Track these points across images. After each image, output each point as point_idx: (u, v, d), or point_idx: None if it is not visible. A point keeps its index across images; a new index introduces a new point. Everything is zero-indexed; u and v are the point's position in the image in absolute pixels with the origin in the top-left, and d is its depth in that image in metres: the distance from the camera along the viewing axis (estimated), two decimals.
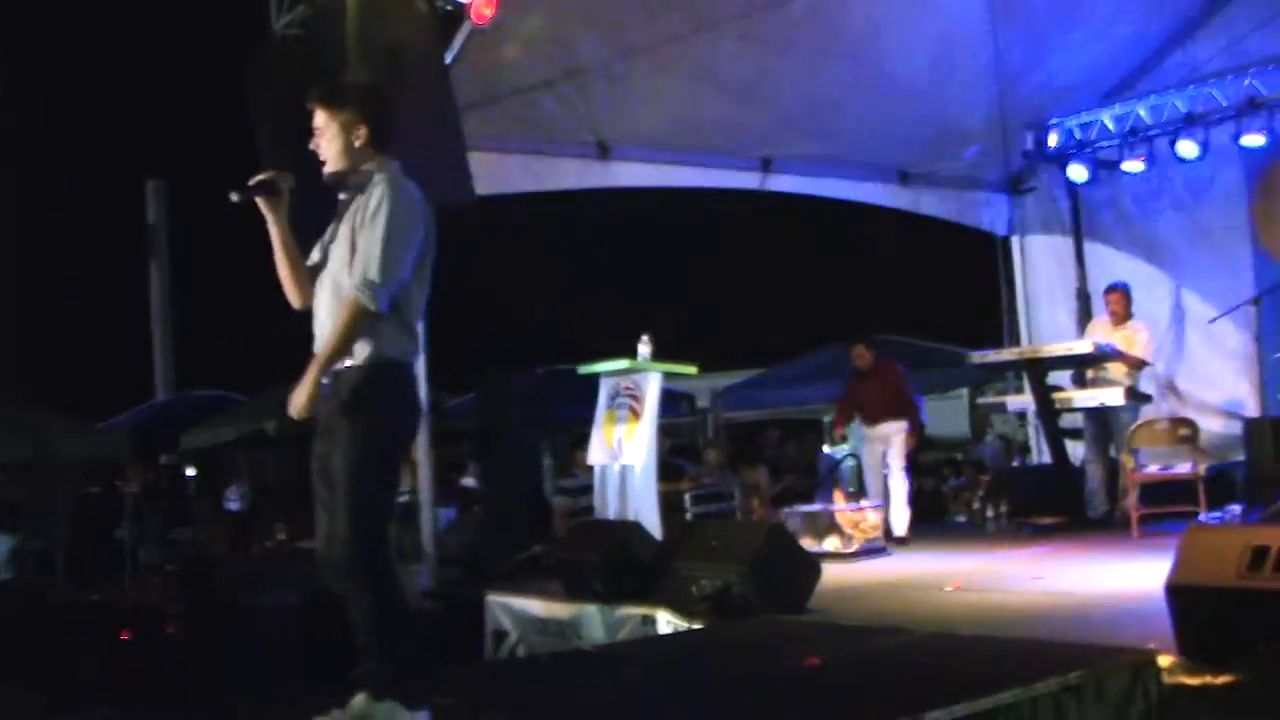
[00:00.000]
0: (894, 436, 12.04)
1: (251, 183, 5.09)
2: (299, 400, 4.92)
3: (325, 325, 5.07)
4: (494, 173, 11.64)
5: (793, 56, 12.78)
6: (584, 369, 10.72)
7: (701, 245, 29.29)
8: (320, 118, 5.15)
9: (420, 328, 5.21)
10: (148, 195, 32.35)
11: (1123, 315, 12.39)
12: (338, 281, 5.06)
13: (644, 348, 10.16)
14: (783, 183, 14.37)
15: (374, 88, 5.49)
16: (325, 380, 5.08)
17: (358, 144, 5.12)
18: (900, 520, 11.84)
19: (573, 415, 14.36)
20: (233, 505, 21.84)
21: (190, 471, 23.18)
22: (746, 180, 14.12)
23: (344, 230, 5.09)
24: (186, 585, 14.08)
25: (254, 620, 12.35)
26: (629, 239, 27.39)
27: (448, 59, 10.58)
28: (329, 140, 5.14)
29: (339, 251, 5.09)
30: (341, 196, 5.19)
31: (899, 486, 11.96)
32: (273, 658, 10.20)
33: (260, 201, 5.11)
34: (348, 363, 4.99)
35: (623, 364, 10.24)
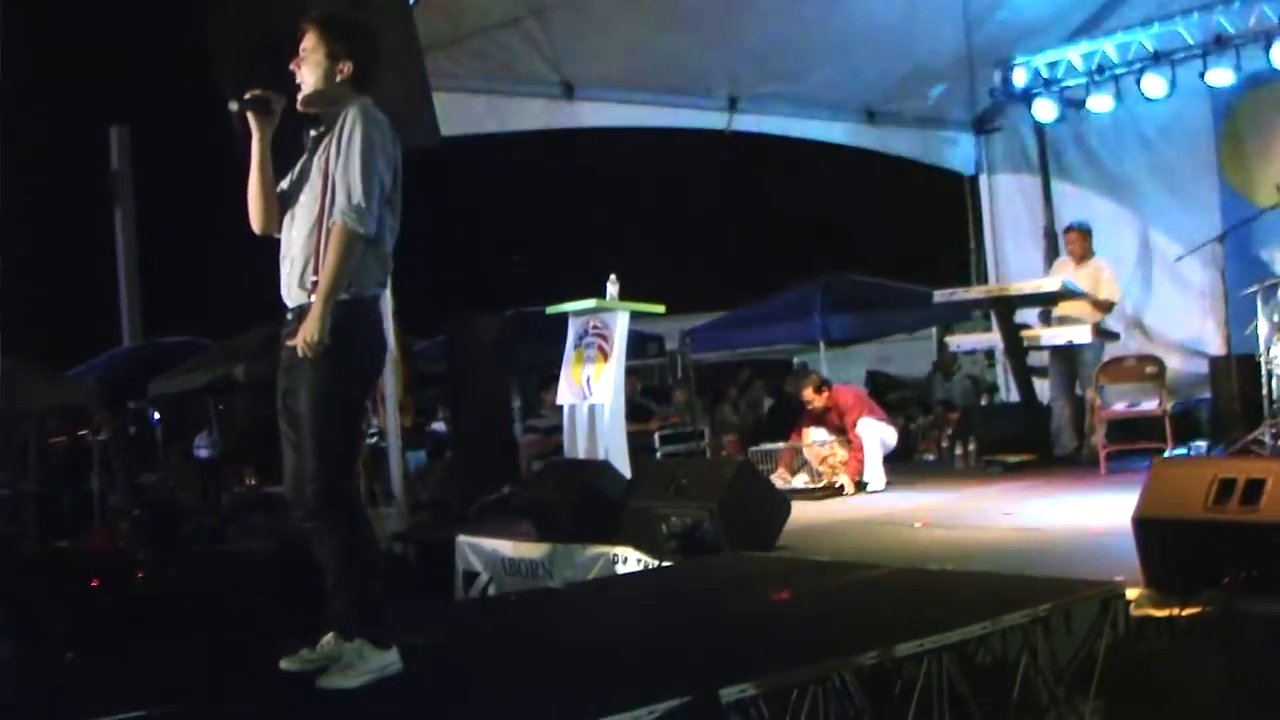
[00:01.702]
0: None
1: (249, 96, 5.06)
2: (312, 335, 4.81)
3: (297, 260, 5.03)
4: (459, 113, 11.56)
5: None
6: (552, 309, 10.69)
7: (668, 185, 29.18)
8: (310, 41, 5.09)
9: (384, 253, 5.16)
10: (111, 141, 32.11)
11: (1082, 254, 12.41)
12: (309, 213, 5.02)
13: (612, 287, 10.14)
14: (749, 122, 14.31)
15: (368, 27, 5.46)
16: (289, 314, 5.05)
17: (339, 78, 5.07)
18: (874, 473, 11.38)
19: (541, 356, 14.36)
20: (201, 453, 21.76)
21: (157, 417, 23.05)
22: (712, 120, 14.06)
23: (316, 163, 5.05)
24: (155, 531, 14.05)
25: (223, 565, 12.35)
26: (596, 179, 27.28)
27: None
28: (312, 66, 5.08)
29: (311, 185, 5.05)
30: (312, 132, 5.15)
31: (868, 438, 11.41)
32: (242, 602, 10.19)
33: (252, 116, 5.07)
34: (314, 298, 4.94)
35: (590, 304, 10.22)
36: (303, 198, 5.08)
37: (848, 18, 13.22)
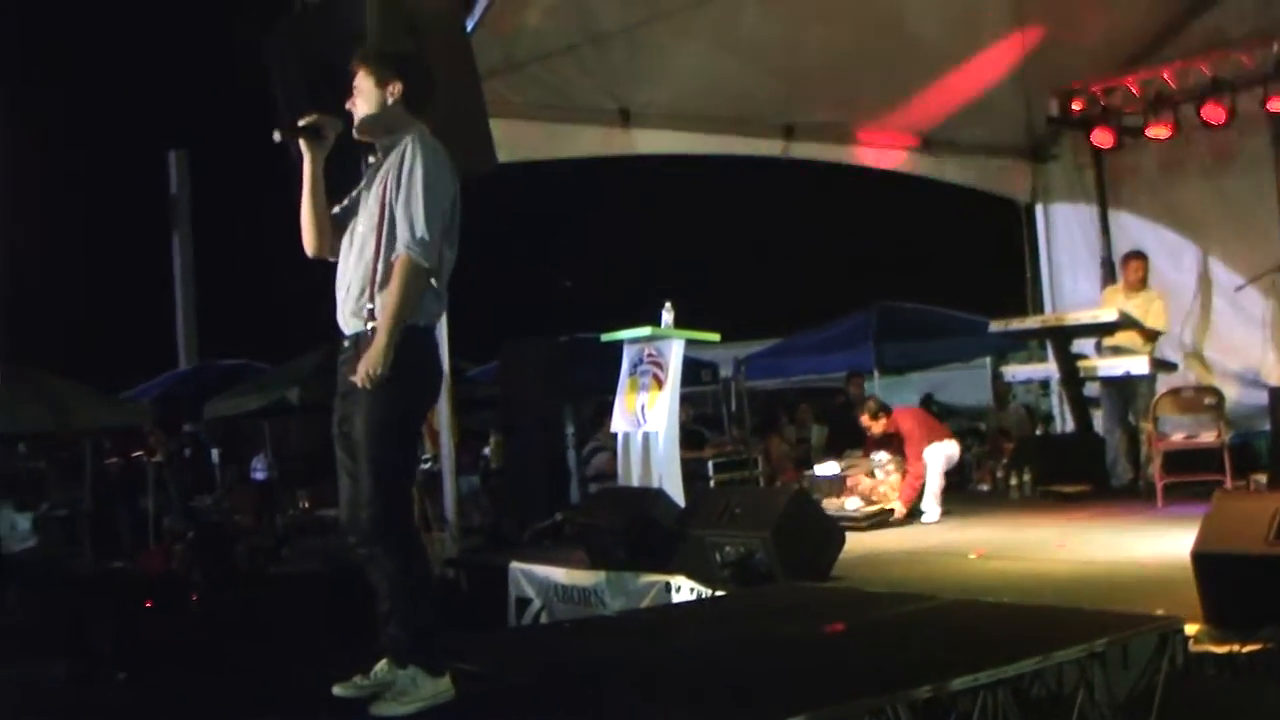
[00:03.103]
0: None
1: (301, 123, 5.16)
2: (374, 367, 4.85)
3: (353, 288, 5.07)
4: (516, 139, 11.60)
5: (815, 21, 12.70)
6: (607, 336, 10.69)
7: (723, 212, 29.18)
8: (360, 78, 5.19)
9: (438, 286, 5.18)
10: (170, 166, 32.44)
11: (1139, 283, 12.32)
12: (366, 242, 5.06)
13: (667, 315, 10.13)
14: (805, 150, 14.29)
15: (415, 56, 5.70)
16: (345, 342, 5.09)
17: (390, 99, 5.15)
18: (931, 502, 11.27)
19: (595, 382, 14.36)
20: (258, 475, 21.89)
21: (212, 440, 23.24)
22: (768, 147, 14.04)
23: (374, 192, 5.10)
24: (209, 554, 14.13)
25: (277, 588, 12.41)
26: (651, 206, 27.31)
27: (469, 25, 10.54)
28: (364, 95, 5.18)
29: (368, 214, 5.09)
30: (370, 160, 5.21)
31: (932, 467, 11.26)
32: (296, 626, 10.22)
33: (303, 142, 5.15)
34: (371, 326, 4.96)
35: (645, 331, 10.21)
36: (360, 226, 5.12)
37: (904, 45, 13.19)
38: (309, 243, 5.26)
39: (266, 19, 11.03)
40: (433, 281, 5.06)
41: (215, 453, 22.78)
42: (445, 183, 5.06)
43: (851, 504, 11.09)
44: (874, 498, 11.23)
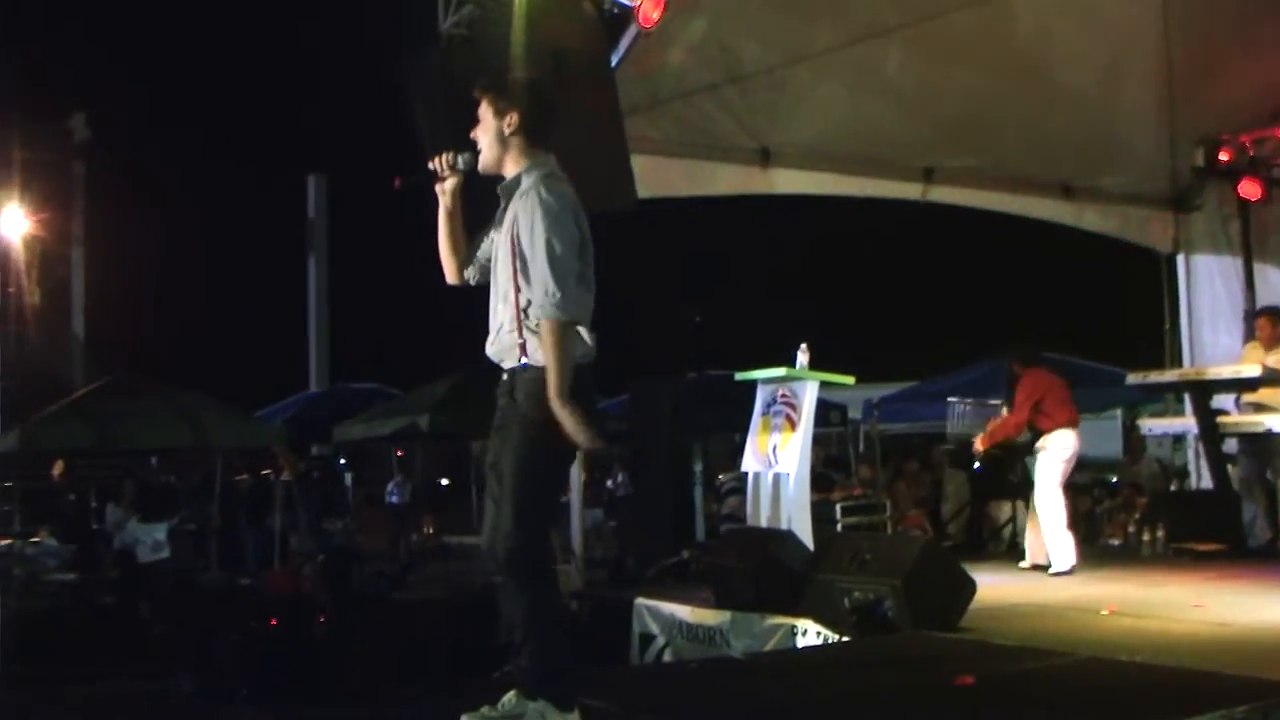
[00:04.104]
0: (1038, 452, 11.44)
1: (434, 166, 5.19)
2: (580, 433, 4.89)
3: (504, 326, 5.11)
4: (655, 176, 11.65)
5: (958, 66, 12.67)
6: (741, 375, 10.67)
7: (859, 254, 29.05)
8: (483, 107, 5.19)
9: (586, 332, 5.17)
10: (309, 190, 33.02)
11: (1273, 340, 12.08)
12: (506, 283, 5.08)
13: (802, 356, 10.09)
14: (943, 194, 14.19)
15: (537, 83, 5.55)
16: (504, 376, 5.13)
17: (508, 130, 5.12)
18: (1049, 548, 10.99)
19: (724, 420, 14.33)
20: (394, 498, 22.16)
21: (343, 462, 23.58)
22: (907, 191, 13.97)
23: (504, 240, 5.10)
24: (336, 576, 14.30)
25: (402, 613, 12.51)
26: (787, 245, 27.27)
27: (613, 61, 10.61)
28: (485, 128, 5.17)
29: (504, 262, 5.11)
30: (502, 201, 5.19)
31: (1043, 509, 11.07)
32: (422, 652, 10.31)
33: (435, 185, 5.20)
34: (524, 361, 5.02)
35: (780, 372, 10.18)
36: (500, 269, 5.15)
37: (1047, 90, 13.11)
38: (448, 272, 5.33)
39: (412, 50, 11.19)
40: (580, 329, 5.07)
41: (349, 476, 23.10)
42: (570, 230, 5.02)
43: None
44: None
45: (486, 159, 5.18)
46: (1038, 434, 11.17)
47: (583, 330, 5.09)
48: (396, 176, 5.25)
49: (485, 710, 5.06)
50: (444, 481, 24.40)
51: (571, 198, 5.12)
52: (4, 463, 18.08)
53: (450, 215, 5.25)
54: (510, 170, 5.15)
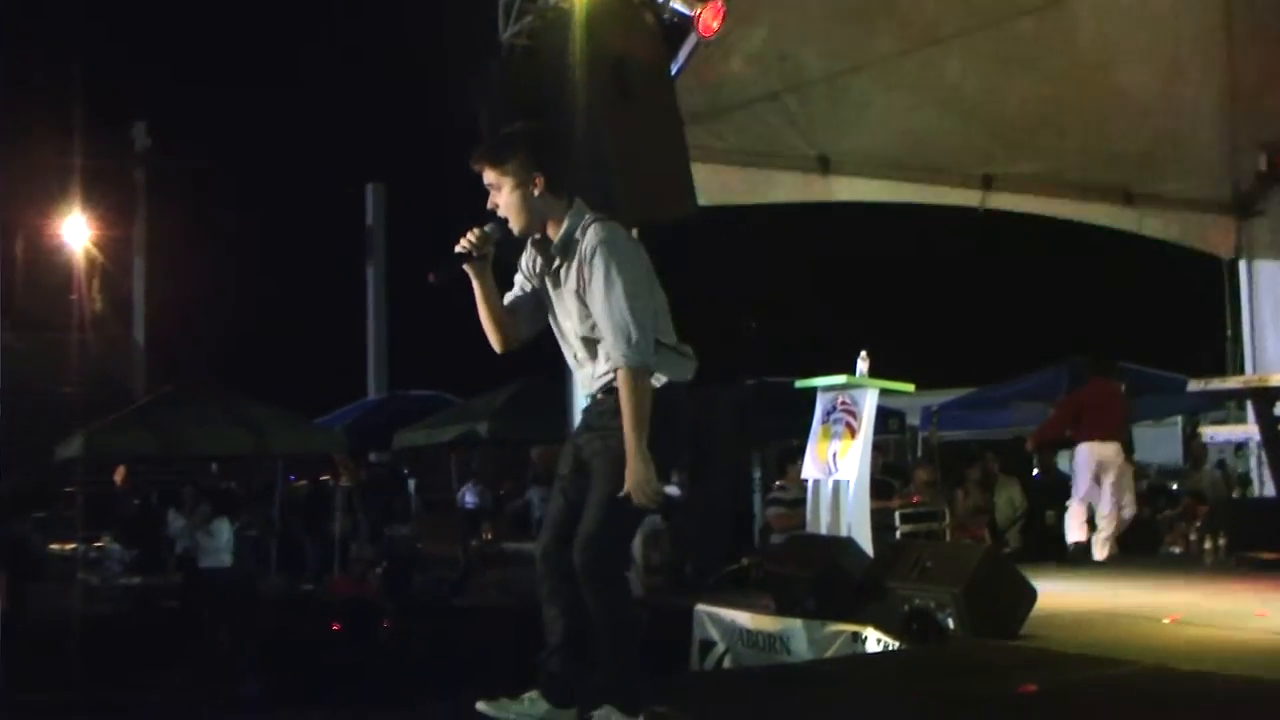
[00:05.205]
0: None
1: (461, 252, 5.09)
2: (642, 486, 4.89)
3: (583, 363, 5.18)
4: (715, 184, 11.63)
5: (1019, 72, 12.65)
6: (801, 383, 10.69)
7: (918, 260, 28.97)
8: (490, 176, 5.11)
9: (673, 343, 5.22)
10: (368, 198, 33.22)
11: None
12: (577, 327, 5.12)
13: (862, 363, 10.10)
14: (1003, 200, 14.13)
15: (535, 131, 5.43)
16: (599, 394, 5.19)
17: (537, 193, 5.07)
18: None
19: (783, 427, 14.36)
20: (467, 504, 22.24)
21: (406, 470, 23.71)
22: (967, 198, 13.91)
23: (567, 287, 5.11)
24: (398, 581, 14.40)
25: (464, 618, 12.59)
26: (847, 252, 27.21)
27: (673, 70, 10.64)
28: (506, 196, 5.09)
29: (566, 308, 5.14)
30: (557, 259, 5.15)
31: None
32: (483, 656, 10.36)
33: (466, 267, 5.11)
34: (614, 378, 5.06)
35: (840, 380, 10.20)
36: (565, 322, 5.20)
37: (1106, 96, 13.06)
38: (494, 342, 5.30)
39: (473, 59, 11.26)
40: (680, 346, 5.18)
41: (412, 483, 23.22)
42: (638, 270, 5.05)
43: None
44: None
45: (523, 226, 5.12)
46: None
47: (685, 347, 5.18)
48: (430, 273, 5.13)
49: (504, 701, 5.15)
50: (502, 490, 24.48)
51: (627, 235, 5.16)
52: (69, 468, 18.33)
53: (488, 293, 5.19)
54: (554, 229, 5.12)
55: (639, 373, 4.94)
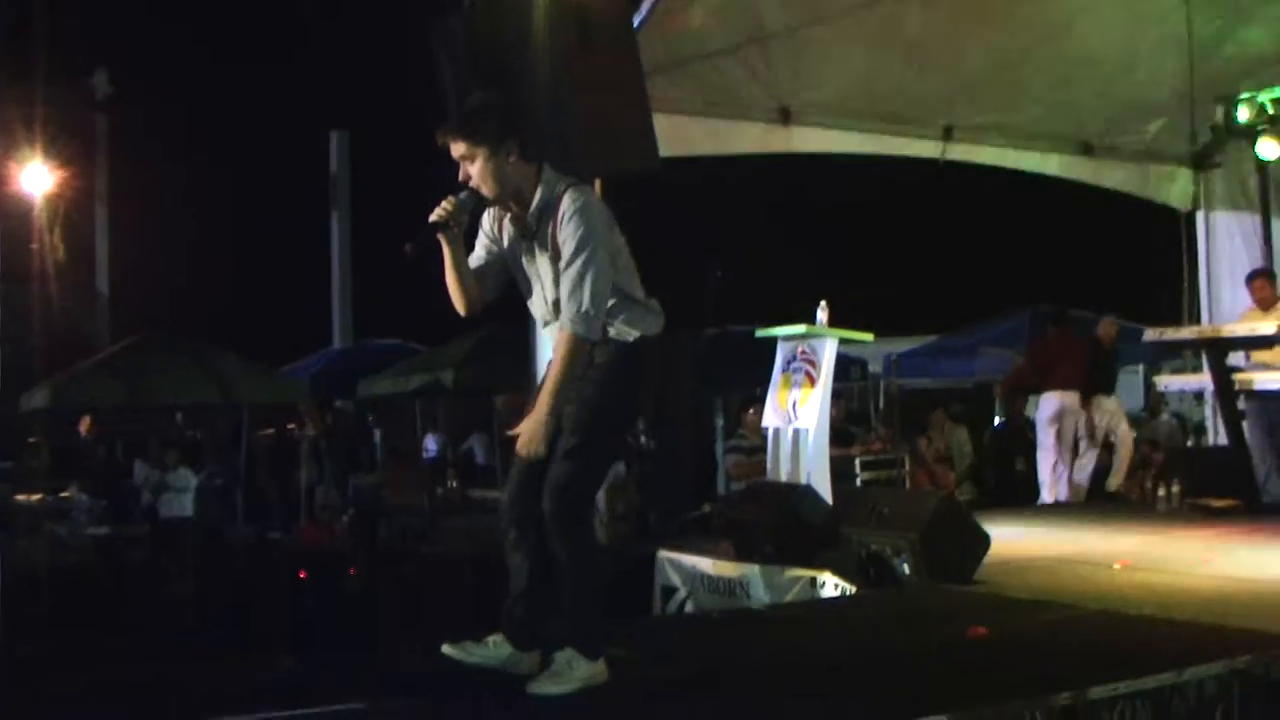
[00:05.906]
0: None
1: (432, 219, 5.13)
2: (535, 440, 5.04)
3: (554, 328, 5.23)
4: (677, 136, 11.65)
5: (978, 23, 12.67)
6: (761, 332, 10.74)
7: (878, 211, 29.04)
8: (460, 149, 5.16)
9: (641, 298, 5.33)
10: (331, 146, 33.04)
11: (1270, 300, 12.19)
12: (550, 300, 5.24)
13: (822, 314, 10.18)
14: (963, 152, 14.24)
15: (503, 103, 5.52)
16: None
17: (511, 163, 5.15)
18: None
19: (745, 376, 14.47)
20: (431, 453, 22.30)
21: (371, 419, 23.74)
22: (927, 149, 14.02)
23: (543, 256, 5.22)
24: (364, 530, 14.48)
25: (430, 567, 12.69)
26: (806, 202, 27.26)
27: (635, 23, 10.68)
28: (480, 167, 5.14)
29: (545, 274, 5.24)
30: (532, 225, 5.23)
31: None
32: (450, 604, 10.47)
33: (440, 236, 5.17)
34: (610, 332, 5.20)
35: (800, 329, 10.28)
36: (537, 285, 5.32)
37: (1066, 49, 13.12)
38: (458, 306, 5.37)
39: (436, 10, 11.23)
40: (645, 303, 5.29)
41: (377, 432, 23.27)
42: (604, 239, 5.13)
43: None
44: None
45: (497, 193, 5.18)
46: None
47: (653, 302, 5.30)
48: (407, 245, 5.15)
49: (468, 645, 5.30)
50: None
51: (599, 202, 5.25)
52: (34, 419, 18.34)
53: (459, 260, 5.26)
54: (530, 195, 5.20)
55: (579, 342, 5.06)
